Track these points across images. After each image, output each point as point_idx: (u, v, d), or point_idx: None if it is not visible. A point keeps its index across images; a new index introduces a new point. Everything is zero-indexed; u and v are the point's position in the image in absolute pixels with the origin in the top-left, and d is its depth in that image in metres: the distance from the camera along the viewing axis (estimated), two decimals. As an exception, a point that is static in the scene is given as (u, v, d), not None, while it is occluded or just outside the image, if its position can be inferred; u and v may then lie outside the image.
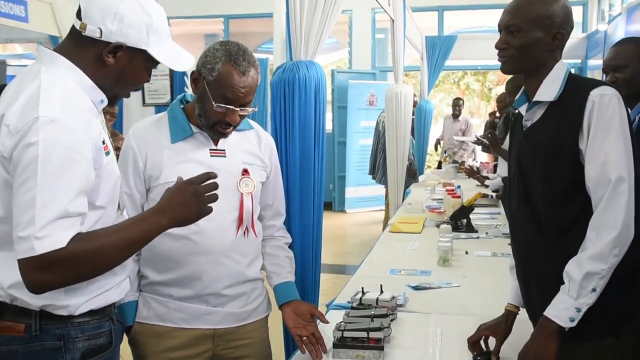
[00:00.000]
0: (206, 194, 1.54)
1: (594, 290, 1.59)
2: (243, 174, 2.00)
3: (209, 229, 1.92)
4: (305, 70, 2.30)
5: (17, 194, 1.34)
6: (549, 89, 1.73)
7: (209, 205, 1.55)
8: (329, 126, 10.75)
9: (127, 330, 1.98)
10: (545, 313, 1.65)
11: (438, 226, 3.85)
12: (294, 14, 2.29)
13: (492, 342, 1.95)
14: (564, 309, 1.61)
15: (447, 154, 8.42)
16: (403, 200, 5.76)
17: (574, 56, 9.41)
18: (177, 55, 1.62)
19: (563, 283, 1.65)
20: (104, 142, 1.50)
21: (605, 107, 1.62)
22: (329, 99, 10.66)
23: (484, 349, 1.96)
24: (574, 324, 1.60)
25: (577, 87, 1.69)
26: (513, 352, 1.83)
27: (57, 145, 1.35)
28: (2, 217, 1.43)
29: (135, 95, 8.78)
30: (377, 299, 2.30)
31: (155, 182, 1.93)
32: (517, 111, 1.88)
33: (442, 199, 4.97)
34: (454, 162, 7.80)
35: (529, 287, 1.84)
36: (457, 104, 9.63)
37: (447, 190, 4.79)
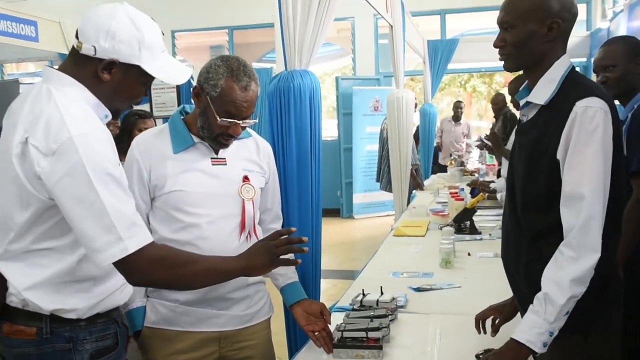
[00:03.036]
0: (277, 247, 1.72)
1: (567, 313, 1.57)
2: (244, 181, 2.06)
3: (213, 235, 1.98)
4: (299, 79, 2.36)
5: (80, 210, 1.44)
6: (542, 91, 1.70)
7: (281, 258, 1.73)
8: (334, 133, 10.84)
9: (136, 334, 2.04)
10: (516, 337, 1.60)
11: (441, 229, 3.89)
12: (287, 25, 2.35)
13: (504, 333, 1.93)
14: (538, 333, 1.57)
15: (452, 158, 8.44)
16: (408, 204, 5.79)
17: (578, 54, 9.42)
18: (173, 69, 1.67)
19: (532, 284, 1.64)
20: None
21: (588, 120, 1.57)
22: (334, 105, 10.73)
23: (484, 331, 2.01)
24: (545, 350, 1.57)
25: (567, 94, 1.64)
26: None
27: (98, 156, 1.45)
28: (25, 229, 1.52)
29: (143, 108, 8.88)
30: (377, 301, 2.34)
31: (160, 192, 1.99)
32: (517, 109, 1.89)
33: (446, 202, 5.01)
34: (461, 164, 7.82)
35: (512, 276, 1.85)
36: (458, 107, 9.65)
37: (450, 193, 4.82)
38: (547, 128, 1.66)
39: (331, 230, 9.32)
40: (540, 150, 1.66)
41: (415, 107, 7.21)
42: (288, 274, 2.20)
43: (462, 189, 5.17)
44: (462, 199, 4.35)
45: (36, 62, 12.54)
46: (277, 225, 2.28)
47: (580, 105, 1.58)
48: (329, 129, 11.16)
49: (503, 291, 2.04)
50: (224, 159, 2.06)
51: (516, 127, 1.88)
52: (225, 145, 2.02)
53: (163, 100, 8.97)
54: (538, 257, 1.68)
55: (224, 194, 2.02)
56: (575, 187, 1.56)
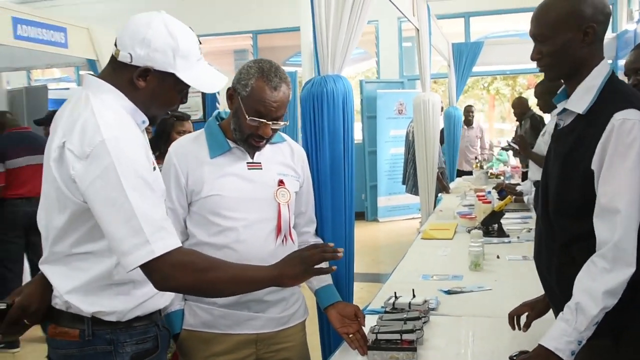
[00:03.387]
0: (311, 257, 1.66)
1: (597, 323, 1.56)
2: (279, 185, 2.10)
3: (250, 239, 2.02)
4: (332, 84, 2.38)
5: (110, 213, 1.46)
6: (581, 99, 1.67)
7: (315, 267, 1.66)
8: (359, 136, 10.85)
9: (175, 337, 2.08)
10: (544, 344, 1.61)
11: (469, 232, 3.89)
12: (320, 30, 2.38)
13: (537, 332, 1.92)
14: (567, 342, 1.57)
15: (477, 161, 8.42)
16: (434, 207, 5.79)
17: (606, 56, 9.33)
18: (208, 78, 1.70)
19: (564, 285, 1.65)
20: (151, 158, 1.62)
21: (625, 133, 1.55)
22: (358, 109, 10.75)
23: (519, 327, 2.01)
24: (573, 358, 1.57)
25: (606, 104, 1.62)
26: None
27: (129, 160, 1.48)
28: (64, 233, 1.56)
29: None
30: (410, 303, 2.36)
31: (197, 197, 2.04)
32: (552, 111, 1.87)
33: (473, 205, 5.01)
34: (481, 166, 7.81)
35: (544, 278, 1.86)
36: (469, 111, 9.60)
37: (477, 196, 4.82)
38: (583, 138, 1.64)
39: (357, 234, 9.16)
40: (576, 159, 1.65)
41: (442, 111, 7.22)
42: (322, 277, 2.21)
43: (489, 192, 5.16)
44: (490, 202, 4.35)
45: (62, 68, 12.75)
46: (311, 229, 2.31)
47: (617, 118, 1.56)
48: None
49: (534, 293, 2.05)
50: (260, 163, 2.10)
51: (546, 131, 1.89)
52: (257, 148, 2.06)
53: (188, 105, 8.94)
54: (570, 261, 1.68)
55: (259, 198, 2.05)
56: (611, 201, 1.56)
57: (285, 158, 2.19)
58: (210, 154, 2.07)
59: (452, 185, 7.28)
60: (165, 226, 1.50)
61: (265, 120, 1.98)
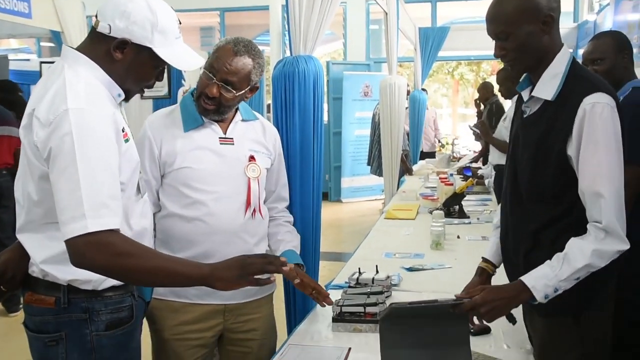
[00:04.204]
0: (252, 265, 1.60)
1: (577, 279, 1.60)
2: (250, 160, 2.16)
3: (220, 212, 2.07)
4: (304, 64, 2.43)
5: (59, 181, 1.46)
6: (548, 85, 1.70)
7: (253, 278, 1.60)
8: (324, 117, 10.90)
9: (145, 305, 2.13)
10: (523, 279, 1.64)
11: (431, 212, 4.00)
12: (293, 10, 2.42)
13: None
14: (545, 284, 1.60)
15: (440, 144, 8.58)
16: (397, 188, 5.91)
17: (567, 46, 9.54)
18: (185, 56, 1.72)
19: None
20: (123, 130, 1.63)
21: (596, 117, 1.59)
22: (324, 90, 10.78)
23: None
24: (544, 301, 1.61)
25: (574, 89, 1.66)
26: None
27: (89, 132, 1.48)
28: (36, 201, 1.58)
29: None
30: (373, 279, 2.45)
31: (170, 168, 2.10)
32: (513, 97, 1.89)
33: (435, 187, 5.12)
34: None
35: (511, 265, 1.88)
36: None
37: (440, 178, 4.94)
38: (554, 123, 1.67)
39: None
40: (549, 144, 1.68)
41: (408, 94, 7.32)
42: (281, 245, 2.27)
43: (452, 175, 5.29)
44: (452, 184, 4.46)
45: (20, 39, 12.43)
46: (280, 205, 2.38)
47: (587, 102, 1.60)
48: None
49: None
50: (232, 138, 2.16)
51: (507, 116, 1.92)
52: (206, 111, 2.10)
53: (152, 80, 8.98)
54: (539, 246, 1.73)
55: (230, 172, 2.11)
56: (592, 186, 1.60)
57: (257, 135, 2.24)
58: (184, 127, 2.12)
59: (415, 167, 7.41)
60: (109, 204, 1.47)
61: (214, 79, 2.04)
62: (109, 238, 1.46)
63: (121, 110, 1.71)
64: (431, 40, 9.03)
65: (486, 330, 2.07)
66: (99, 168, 1.48)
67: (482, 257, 2.05)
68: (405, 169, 6.96)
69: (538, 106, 1.75)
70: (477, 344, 2.00)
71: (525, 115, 1.80)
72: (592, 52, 2.67)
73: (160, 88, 8.62)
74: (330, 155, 10.59)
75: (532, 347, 1.93)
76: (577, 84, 1.67)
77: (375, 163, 7.34)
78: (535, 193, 1.75)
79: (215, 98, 2.06)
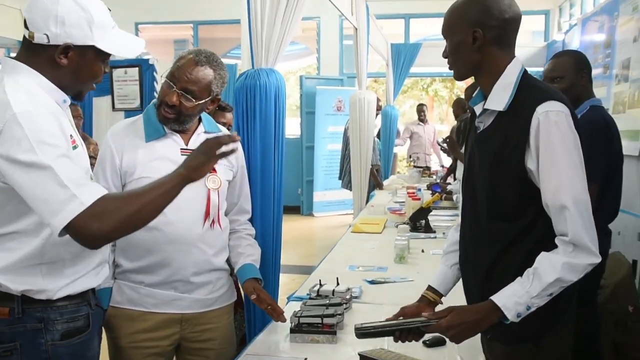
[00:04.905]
0: (210, 145, 1.69)
1: (550, 294, 1.55)
2: (211, 172, 2.16)
3: (178, 221, 2.08)
4: (265, 77, 2.45)
5: (27, 182, 1.46)
6: (500, 96, 1.67)
7: (218, 154, 1.69)
8: (297, 131, 10.92)
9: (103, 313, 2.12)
10: (493, 299, 1.58)
11: (397, 227, 4.04)
12: (255, 23, 2.44)
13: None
14: (517, 302, 1.54)
15: (411, 159, 8.65)
16: (366, 202, 5.94)
17: (536, 64, 9.65)
18: (127, 43, 1.74)
19: (492, 292, 1.61)
20: (71, 137, 1.62)
21: (552, 125, 1.56)
22: (297, 104, 10.81)
23: None
24: (517, 320, 1.55)
25: (526, 98, 1.62)
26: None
27: (41, 132, 1.48)
28: None
29: (105, 100, 8.83)
30: (333, 290, 2.47)
31: (130, 178, 2.11)
32: (470, 114, 1.84)
33: (404, 202, 5.16)
34: (417, 167, 8.05)
35: (469, 285, 1.85)
36: (421, 110, 9.90)
37: (408, 192, 4.98)
38: (508, 135, 1.63)
39: (291, 227, 9.41)
40: (506, 158, 1.64)
41: (380, 109, 7.39)
42: (241, 260, 2.29)
43: (420, 190, 5.33)
44: (419, 199, 4.50)
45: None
46: (241, 218, 2.39)
47: (540, 111, 1.57)
48: (291, 127, 11.22)
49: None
50: (193, 150, 2.16)
51: (471, 131, 1.84)
52: (166, 119, 2.12)
53: (125, 93, 8.90)
54: (505, 267, 1.67)
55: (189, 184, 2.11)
56: (555, 198, 1.56)
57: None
58: (146, 137, 2.14)
59: (386, 182, 7.46)
60: (84, 182, 1.50)
61: (175, 87, 2.06)
62: (100, 203, 1.48)
63: (69, 117, 1.70)
64: (403, 56, 9.13)
65: (440, 342, 2.09)
66: (62, 158, 1.49)
67: (428, 285, 1.98)
68: (376, 184, 7.01)
69: (492, 119, 1.72)
70: (431, 355, 2.03)
71: (479, 131, 1.77)
72: (552, 70, 2.75)
73: (132, 100, 8.59)
74: (302, 169, 10.61)
75: None
76: (529, 93, 1.64)
77: (346, 177, 7.37)
78: (495, 211, 1.69)
79: (175, 106, 2.08)
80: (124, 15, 11.03)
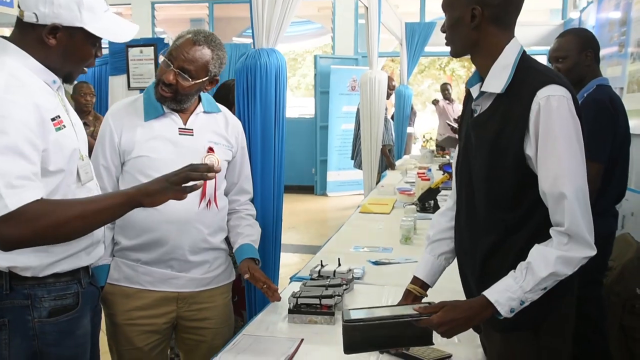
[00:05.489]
0: (176, 175, 1.65)
1: (545, 288, 1.51)
2: (208, 152, 2.19)
3: (174, 200, 2.08)
4: (266, 57, 2.44)
5: None
6: (497, 78, 1.61)
7: (180, 188, 1.64)
8: (311, 111, 10.90)
9: (100, 290, 2.15)
10: (486, 294, 1.54)
11: (405, 207, 4.02)
12: (255, 3, 2.43)
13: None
14: (510, 298, 1.51)
15: (425, 140, 8.60)
16: (377, 182, 5.92)
17: (551, 43, 9.57)
18: (117, 28, 1.73)
19: (486, 281, 1.58)
20: (55, 119, 1.62)
21: (553, 110, 1.50)
22: (312, 83, 10.77)
23: None
24: (510, 316, 1.52)
25: (525, 81, 1.56)
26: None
27: (3, 119, 1.48)
28: None
29: (121, 79, 8.89)
30: (335, 271, 2.46)
31: (128, 157, 2.13)
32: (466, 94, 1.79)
33: (414, 182, 5.14)
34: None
35: (465, 275, 1.81)
36: (445, 89, 9.86)
37: (418, 173, 4.95)
38: (507, 119, 1.58)
39: (304, 207, 9.45)
40: (504, 143, 1.58)
41: (394, 89, 7.34)
42: (240, 239, 2.30)
43: (430, 170, 5.30)
44: (429, 179, 4.48)
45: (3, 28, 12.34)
46: (241, 198, 2.39)
47: (541, 96, 1.51)
48: (306, 107, 11.19)
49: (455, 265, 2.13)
50: (191, 129, 2.18)
51: (466, 113, 1.78)
52: (163, 98, 2.12)
53: (141, 72, 8.98)
54: (501, 258, 1.64)
55: (187, 162, 2.10)
56: (554, 186, 1.50)
57: (218, 127, 2.26)
58: (145, 117, 2.15)
59: (398, 162, 7.43)
60: (17, 184, 1.46)
61: (172, 66, 2.07)
62: (28, 208, 1.46)
63: (60, 97, 1.71)
64: (417, 35, 9.02)
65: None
66: (11, 154, 1.47)
67: (414, 276, 1.92)
68: (388, 164, 6.98)
69: (489, 103, 1.65)
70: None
71: (475, 114, 1.70)
72: (556, 49, 2.71)
73: (148, 79, 8.64)
74: (316, 149, 10.60)
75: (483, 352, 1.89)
76: (528, 75, 1.57)
77: (358, 157, 7.35)
78: (492, 198, 1.64)
79: (171, 85, 2.09)
80: (140, -5, 11.07)
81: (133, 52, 9.04)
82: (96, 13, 1.65)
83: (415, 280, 1.92)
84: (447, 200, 2.00)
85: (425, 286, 1.90)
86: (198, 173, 1.65)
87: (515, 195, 1.60)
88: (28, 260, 1.62)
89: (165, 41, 8.83)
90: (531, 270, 1.51)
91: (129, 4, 11.33)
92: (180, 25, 12.75)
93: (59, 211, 1.53)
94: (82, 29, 1.63)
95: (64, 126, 1.65)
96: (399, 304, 1.89)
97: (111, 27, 1.70)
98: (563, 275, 1.51)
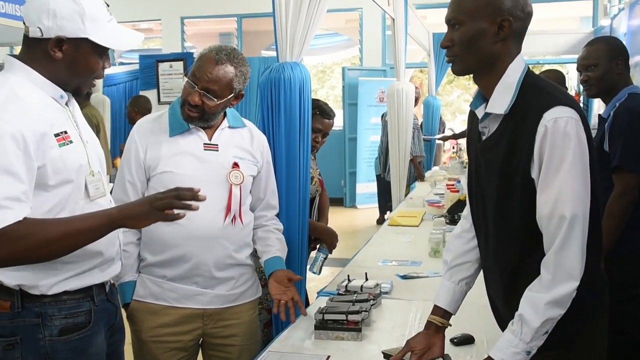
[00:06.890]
0: (160, 199, 1.61)
1: (546, 332, 1.49)
2: (233, 167, 2.17)
3: (199, 215, 2.05)
4: (290, 71, 2.43)
5: None
6: (501, 98, 1.54)
7: (163, 214, 1.61)
8: (339, 123, 10.88)
9: (126, 306, 2.17)
10: (491, 354, 1.53)
11: (434, 219, 3.97)
12: (279, 17, 2.42)
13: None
14: (514, 352, 1.49)
15: (454, 151, 8.51)
16: (406, 194, 5.87)
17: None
18: (122, 36, 1.73)
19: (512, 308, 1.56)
20: (60, 134, 1.62)
21: (559, 134, 1.44)
22: (340, 95, 10.77)
23: None
24: None
25: (531, 102, 1.51)
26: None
27: None
28: None
29: (152, 94, 9.00)
30: (362, 286, 2.43)
31: (154, 172, 2.13)
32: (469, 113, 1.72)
33: (443, 194, 5.08)
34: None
35: (492, 298, 1.78)
36: None
37: (447, 184, 4.89)
38: (515, 141, 1.52)
39: (334, 219, 9.29)
40: (513, 167, 1.53)
41: (417, 101, 7.28)
42: (271, 251, 2.29)
43: (459, 181, 5.23)
44: (458, 191, 4.42)
45: (19, 47, 12.61)
46: (268, 214, 2.38)
47: (548, 118, 1.46)
48: (335, 119, 11.16)
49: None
50: (217, 145, 2.18)
51: (472, 135, 1.71)
52: (190, 118, 2.12)
53: (170, 86, 9.09)
54: (521, 275, 1.59)
55: (212, 178, 2.13)
56: (555, 209, 1.46)
57: (244, 142, 2.25)
58: (170, 132, 2.15)
59: (427, 174, 7.35)
60: (4, 204, 1.46)
61: (196, 87, 2.06)
62: (9, 228, 1.46)
63: (71, 112, 1.71)
64: (446, 45, 8.97)
65: (469, 340, 2.04)
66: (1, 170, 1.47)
67: (434, 305, 1.84)
68: (418, 175, 6.92)
69: (496, 126, 1.58)
70: (459, 353, 1.97)
71: (484, 137, 1.64)
72: (585, 58, 2.65)
73: (177, 94, 8.71)
74: (345, 160, 10.56)
75: None
76: (534, 95, 1.52)
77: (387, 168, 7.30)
78: (505, 228, 1.59)
79: (197, 106, 2.08)
80: (170, 10, 11.23)
81: (163, 67, 9.16)
82: (99, 23, 1.66)
83: (436, 310, 1.85)
84: (462, 220, 1.92)
85: (447, 315, 1.83)
86: (181, 202, 1.61)
87: (527, 220, 1.54)
88: (36, 278, 1.62)
89: (195, 55, 8.93)
90: (525, 322, 1.49)
91: (159, 20, 11.50)
92: (209, 39, 12.89)
93: (40, 233, 1.52)
94: (87, 40, 1.64)
95: (71, 142, 1.65)
96: (420, 335, 1.84)
97: (115, 36, 1.70)
98: (558, 316, 1.48)
